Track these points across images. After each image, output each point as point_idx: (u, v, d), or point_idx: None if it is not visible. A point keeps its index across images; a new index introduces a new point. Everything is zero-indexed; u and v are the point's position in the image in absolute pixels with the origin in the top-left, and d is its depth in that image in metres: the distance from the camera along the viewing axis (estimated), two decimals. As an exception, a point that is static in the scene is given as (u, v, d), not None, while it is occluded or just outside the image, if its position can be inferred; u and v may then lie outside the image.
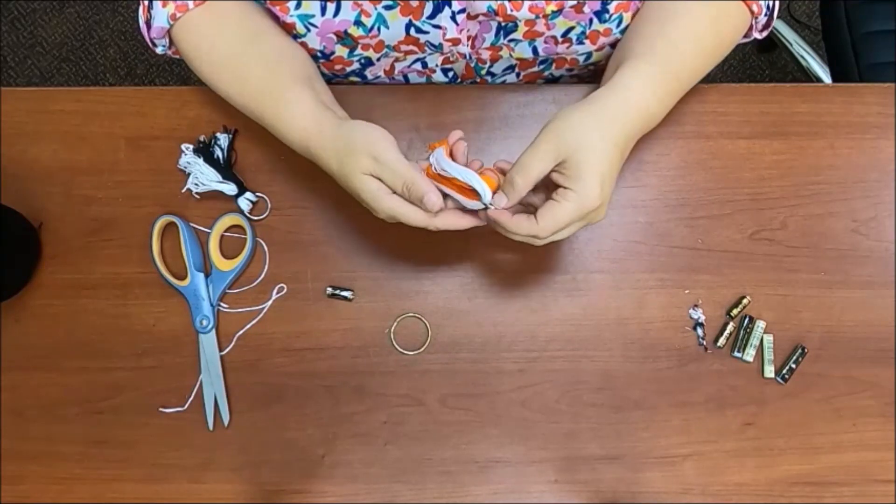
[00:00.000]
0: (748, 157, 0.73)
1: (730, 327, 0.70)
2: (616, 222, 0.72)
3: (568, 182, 0.56)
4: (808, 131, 0.74)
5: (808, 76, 1.45)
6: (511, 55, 0.75)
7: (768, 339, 0.70)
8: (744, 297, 0.71)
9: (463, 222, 0.60)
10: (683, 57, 0.64)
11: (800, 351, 0.70)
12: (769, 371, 0.70)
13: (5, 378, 0.70)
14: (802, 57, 1.45)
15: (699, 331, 0.70)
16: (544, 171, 0.57)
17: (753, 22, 0.69)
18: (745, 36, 0.71)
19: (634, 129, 0.60)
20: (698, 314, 0.70)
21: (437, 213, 0.59)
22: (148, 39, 0.70)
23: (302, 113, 0.63)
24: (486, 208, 0.59)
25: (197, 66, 0.68)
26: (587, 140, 0.56)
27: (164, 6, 0.66)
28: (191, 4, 0.66)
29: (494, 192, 0.59)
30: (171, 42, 0.70)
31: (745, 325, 0.70)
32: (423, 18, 0.67)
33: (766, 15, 0.69)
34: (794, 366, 0.70)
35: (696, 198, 0.72)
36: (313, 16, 0.67)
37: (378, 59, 0.75)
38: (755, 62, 1.63)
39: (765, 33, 0.71)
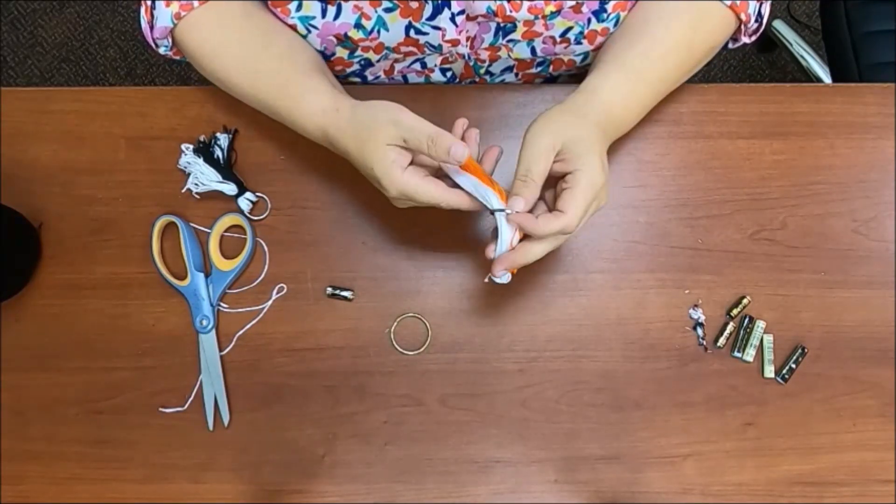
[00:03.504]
0: (748, 157, 0.73)
1: (730, 327, 0.70)
2: (616, 222, 0.72)
3: (571, 165, 0.57)
4: (808, 131, 0.74)
5: (808, 76, 1.45)
6: (510, 55, 0.75)
7: (768, 339, 0.70)
8: (744, 297, 0.71)
9: (473, 203, 0.59)
10: (652, 62, 0.65)
11: (800, 351, 0.70)
12: (769, 371, 0.70)
13: (5, 378, 0.70)
14: (802, 57, 1.45)
15: (699, 331, 0.70)
16: (549, 164, 0.58)
17: (743, 27, 0.69)
18: (734, 40, 0.71)
19: (603, 128, 0.62)
20: (698, 314, 0.70)
21: (451, 189, 0.58)
22: (151, 40, 0.70)
23: (319, 100, 0.63)
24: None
25: (203, 63, 0.68)
26: (575, 129, 0.59)
27: (167, 6, 0.66)
28: (196, 3, 0.66)
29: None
30: (174, 42, 0.70)
31: (745, 325, 0.70)
32: (423, 20, 0.67)
33: (755, 21, 0.69)
34: (794, 366, 0.70)
35: (696, 198, 0.72)
36: (314, 17, 0.67)
37: (378, 61, 0.75)
38: (755, 62, 1.63)
39: (754, 38, 0.71)
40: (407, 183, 0.57)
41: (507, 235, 0.59)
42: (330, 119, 0.62)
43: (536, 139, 0.58)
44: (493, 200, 0.58)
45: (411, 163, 0.59)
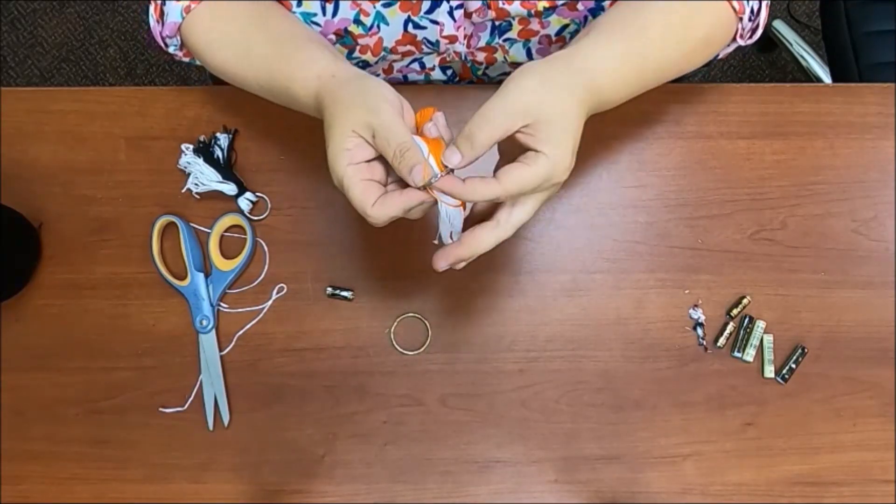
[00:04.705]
0: (748, 157, 0.73)
1: (730, 327, 0.70)
2: (616, 222, 0.72)
3: (540, 145, 0.51)
4: (808, 131, 0.74)
5: (808, 76, 1.45)
6: (506, 58, 0.75)
7: (768, 339, 0.70)
8: (744, 297, 0.71)
9: (401, 201, 0.53)
10: (649, 41, 0.60)
11: (800, 351, 0.70)
12: (769, 371, 0.70)
13: (5, 378, 0.70)
14: (802, 57, 1.45)
15: (699, 331, 0.70)
16: (510, 129, 0.51)
17: (739, 26, 0.67)
18: (733, 42, 0.70)
19: (587, 99, 0.55)
20: (698, 314, 0.70)
21: (375, 203, 0.52)
22: (160, 38, 0.69)
23: (314, 67, 0.59)
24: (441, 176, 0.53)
25: (207, 57, 0.67)
26: (561, 101, 0.52)
27: (177, 1, 0.65)
28: None
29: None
30: (181, 39, 0.69)
31: (745, 325, 0.70)
32: (422, 13, 0.67)
33: (750, 20, 0.67)
34: (794, 366, 0.70)
35: (696, 198, 0.72)
36: (315, 14, 0.67)
37: (376, 62, 0.75)
38: (755, 62, 1.63)
39: (751, 41, 0.70)
40: (346, 175, 0.52)
41: (450, 221, 0.54)
42: (324, 83, 0.57)
43: (513, 98, 0.52)
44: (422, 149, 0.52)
45: (375, 159, 0.54)
